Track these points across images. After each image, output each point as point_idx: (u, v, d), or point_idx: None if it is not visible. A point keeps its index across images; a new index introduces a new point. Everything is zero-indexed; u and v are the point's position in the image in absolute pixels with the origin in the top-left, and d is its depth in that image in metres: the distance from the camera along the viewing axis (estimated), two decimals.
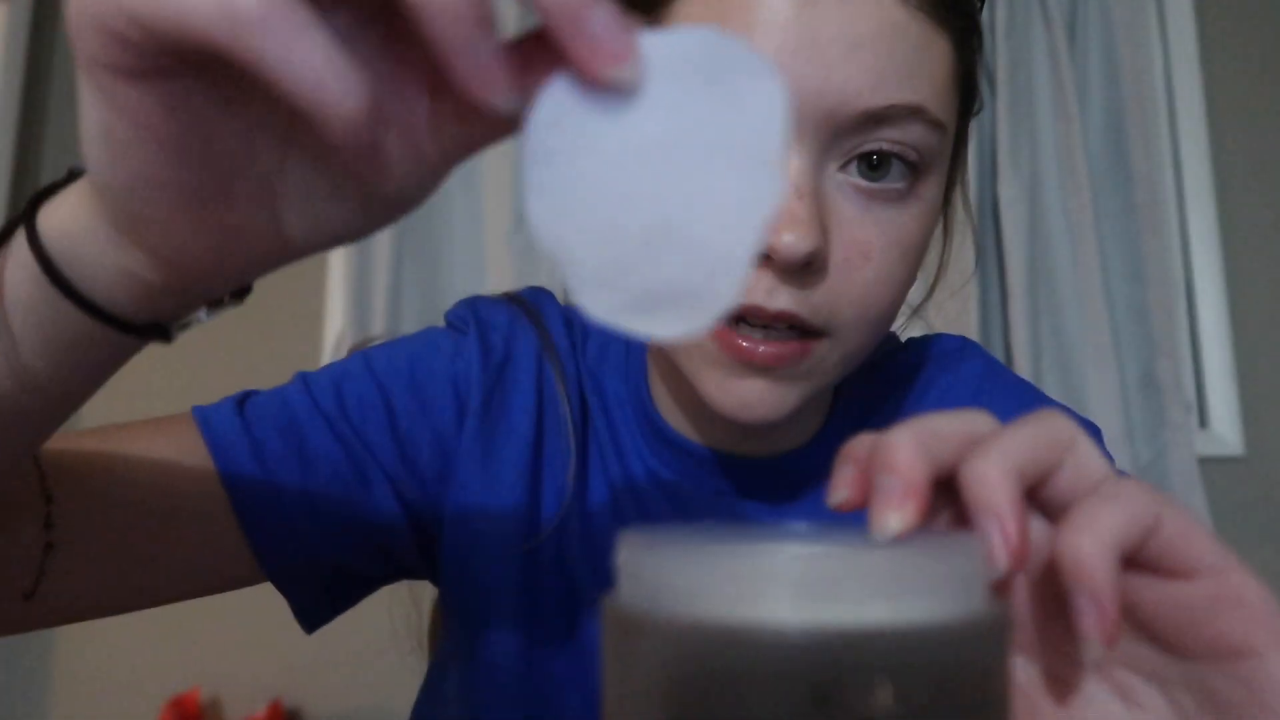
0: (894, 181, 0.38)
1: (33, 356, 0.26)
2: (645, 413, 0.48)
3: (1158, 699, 0.24)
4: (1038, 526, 0.25)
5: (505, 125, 0.22)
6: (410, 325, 1.71)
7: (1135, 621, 0.24)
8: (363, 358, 0.50)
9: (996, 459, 0.23)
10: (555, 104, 0.21)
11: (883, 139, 0.37)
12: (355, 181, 0.24)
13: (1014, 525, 0.22)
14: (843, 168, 0.38)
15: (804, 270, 0.37)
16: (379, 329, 1.69)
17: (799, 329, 0.39)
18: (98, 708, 1.82)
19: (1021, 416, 0.25)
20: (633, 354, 0.50)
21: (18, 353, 0.26)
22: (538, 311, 0.51)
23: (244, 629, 1.78)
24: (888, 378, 0.53)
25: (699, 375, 0.41)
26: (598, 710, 0.21)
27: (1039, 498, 0.25)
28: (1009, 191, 1.53)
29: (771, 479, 0.47)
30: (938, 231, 0.50)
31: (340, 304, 1.80)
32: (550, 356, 0.48)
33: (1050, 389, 1.49)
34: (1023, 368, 1.48)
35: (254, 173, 0.23)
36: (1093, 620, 0.22)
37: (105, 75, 0.20)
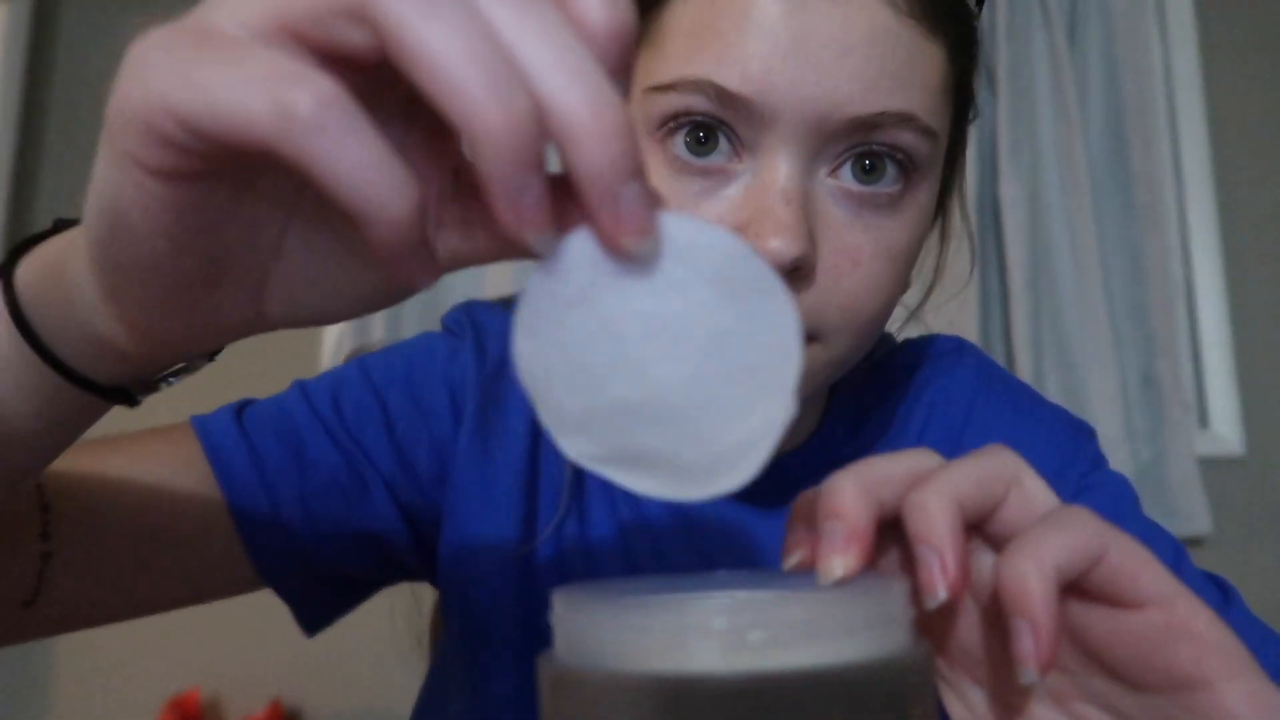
0: (887, 185, 0.38)
1: (6, 404, 0.26)
2: None
3: None
4: (987, 559, 0.25)
5: (521, 251, 0.21)
6: (411, 328, 1.71)
7: (1089, 653, 0.24)
8: (359, 364, 0.50)
9: (936, 491, 0.24)
10: (571, 254, 0.21)
11: (874, 142, 0.37)
12: (351, 273, 0.24)
13: (951, 555, 0.22)
14: (834, 172, 0.38)
15: (791, 275, 0.37)
16: (379, 332, 1.69)
17: None
18: (98, 708, 1.82)
19: (979, 448, 0.25)
20: None
21: None
22: None
23: (244, 629, 1.78)
24: (884, 379, 0.53)
25: None
26: None
27: (986, 532, 0.25)
28: (1009, 191, 1.53)
29: (766, 481, 0.48)
30: (935, 237, 0.50)
31: None
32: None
33: (1050, 389, 1.49)
34: (1023, 368, 1.48)
35: (248, 261, 0.23)
36: (1028, 644, 0.22)
37: (136, 170, 0.20)
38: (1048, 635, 0.22)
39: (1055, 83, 1.55)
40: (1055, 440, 0.50)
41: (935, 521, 0.23)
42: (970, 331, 1.51)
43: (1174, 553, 0.44)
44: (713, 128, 0.37)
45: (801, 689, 0.19)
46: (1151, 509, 1.46)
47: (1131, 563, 0.23)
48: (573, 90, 0.18)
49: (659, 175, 0.38)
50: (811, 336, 0.39)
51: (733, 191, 0.37)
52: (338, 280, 0.24)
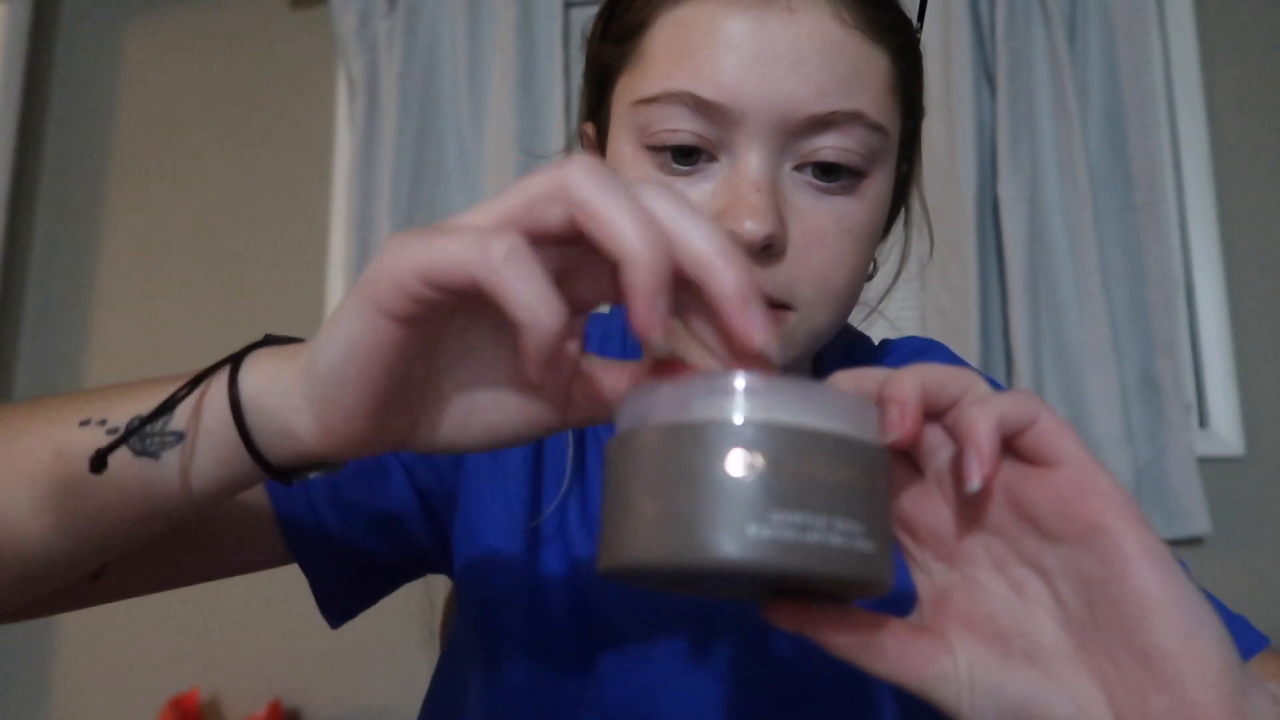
0: (843, 181, 0.44)
1: (198, 471, 0.32)
2: None
3: (1042, 589, 0.29)
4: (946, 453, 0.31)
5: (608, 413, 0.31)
6: None
7: (1021, 513, 0.29)
8: None
9: (910, 372, 0.30)
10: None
11: (829, 146, 0.43)
12: (505, 406, 0.32)
13: (909, 409, 0.29)
14: (798, 168, 0.43)
15: (766, 252, 0.42)
16: None
17: (767, 304, 0.42)
18: (98, 708, 1.82)
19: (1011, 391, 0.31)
20: (629, 352, 0.56)
21: (191, 464, 0.32)
22: None
23: (244, 629, 1.78)
24: None
25: (690, 355, 0.44)
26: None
27: (947, 421, 0.30)
28: (1009, 191, 1.53)
29: None
30: (909, 229, 0.57)
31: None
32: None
33: (1050, 389, 1.49)
34: (1022, 368, 1.48)
35: (426, 388, 0.31)
36: (974, 463, 0.28)
37: (379, 315, 0.28)
38: (990, 454, 0.28)
39: (1055, 83, 1.55)
40: None
41: (903, 386, 0.29)
42: (970, 331, 1.51)
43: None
44: (694, 149, 0.43)
45: (795, 435, 0.26)
46: (1151, 509, 1.46)
47: (1057, 427, 0.28)
48: (710, 244, 0.26)
49: (647, 174, 0.44)
50: (788, 306, 0.44)
51: (711, 184, 0.43)
52: (491, 413, 0.32)
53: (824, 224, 0.44)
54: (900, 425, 0.28)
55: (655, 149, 0.44)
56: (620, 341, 0.57)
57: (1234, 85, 1.61)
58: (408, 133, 1.74)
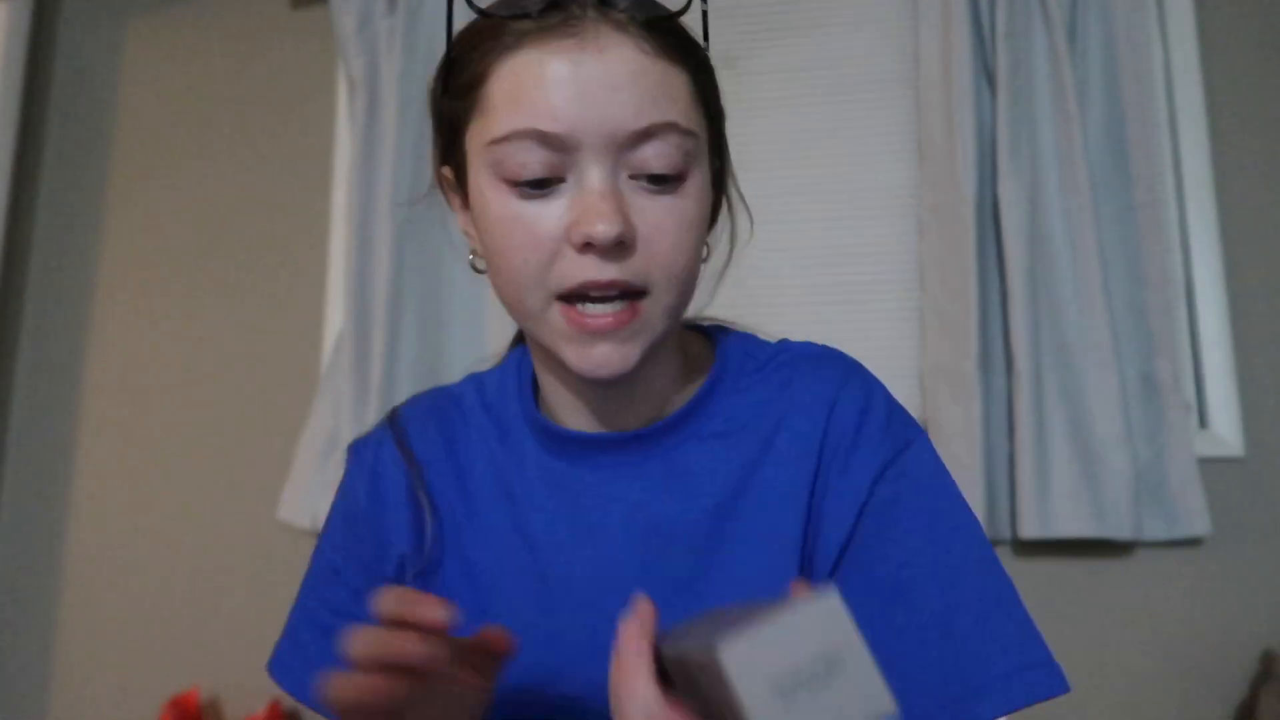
0: (669, 182, 0.52)
1: None
2: (533, 417, 0.62)
3: None
4: None
5: None
6: (410, 326, 1.71)
7: None
8: (316, 551, 0.66)
9: None
10: None
11: (653, 155, 0.51)
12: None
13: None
14: (633, 177, 0.51)
15: (619, 249, 0.51)
16: (379, 329, 1.69)
17: (626, 295, 0.52)
18: (98, 708, 1.82)
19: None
20: (523, 384, 0.64)
21: None
22: (403, 428, 0.66)
23: (244, 629, 1.78)
24: (759, 376, 0.63)
25: (562, 350, 0.54)
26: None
27: None
28: (1009, 191, 1.53)
29: (632, 445, 0.61)
30: (733, 215, 0.65)
31: (340, 304, 1.80)
32: (409, 464, 0.64)
33: (1050, 389, 1.49)
34: (1022, 368, 1.48)
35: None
36: None
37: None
38: None
39: (1055, 83, 1.55)
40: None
41: None
42: (970, 331, 1.51)
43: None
44: (544, 179, 0.51)
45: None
46: (1151, 509, 1.46)
47: None
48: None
49: (507, 202, 0.52)
50: (644, 291, 0.52)
51: (563, 200, 0.51)
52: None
53: (661, 218, 0.52)
54: None
55: (511, 182, 0.51)
56: (483, 410, 0.65)
57: (1234, 85, 1.61)
58: (408, 133, 1.74)
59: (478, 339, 1.75)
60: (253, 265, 1.92)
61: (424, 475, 0.63)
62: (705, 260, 0.59)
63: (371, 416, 1.65)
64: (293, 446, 1.76)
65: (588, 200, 0.50)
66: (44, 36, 2.09)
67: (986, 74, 1.61)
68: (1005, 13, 1.56)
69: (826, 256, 1.70)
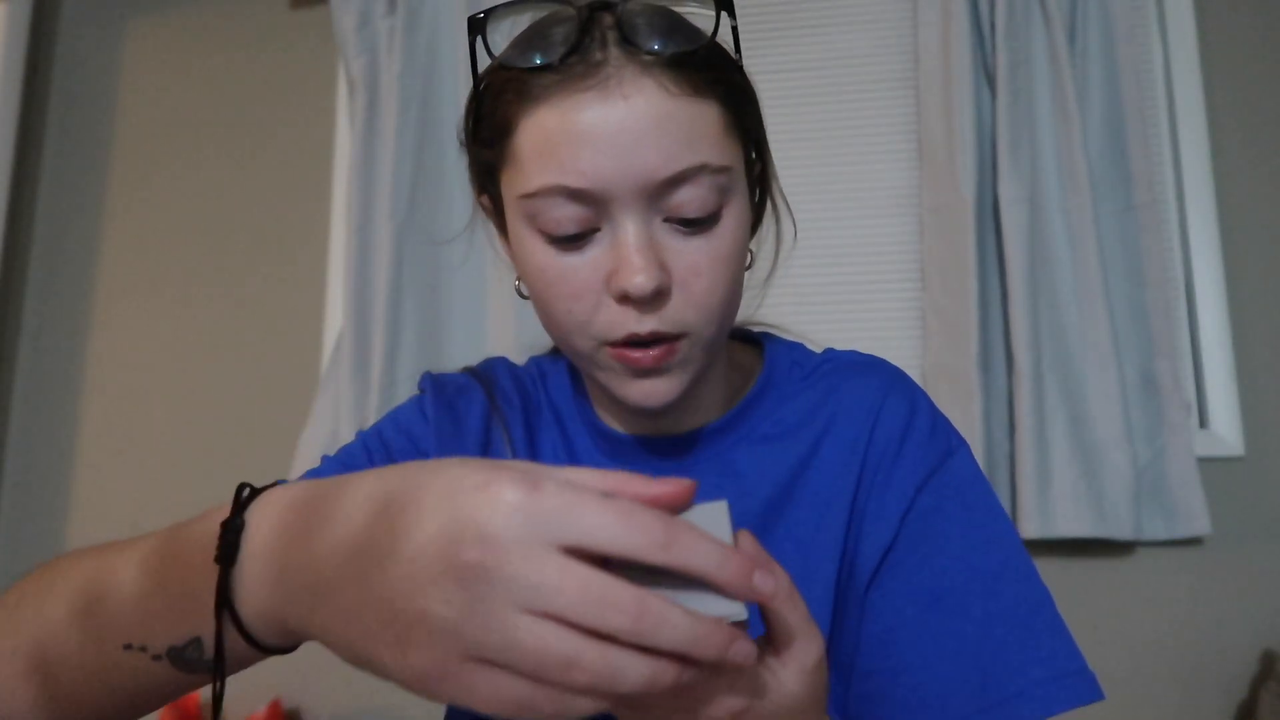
0: (705, 222, 0.52)
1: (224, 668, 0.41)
2: (588, 418, 0.64)
3: None
4: None
5: None
6: (410, 325, 1.71)
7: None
8: (360, 438, 0.65)
9: None
10: None
11: (687, 200, 0.50)
12: None
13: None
14: (667, 220, 0.51)
15: (656, 299, 0.51)
16: (379, 329, 1.69)
17: (663, 338, 0.53)
18: None
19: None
20: (577, 380, 0.66)
21: (204, 650, 0.42)
22: (489, 377, 0.67)
23: None
24: (804, 382, 0.64)
25: (612, 384, 0.55)
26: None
27: None
28: (1009, 191, 1.53)
29: (683, 446, 0.63)
30: (778, 216, 0.65)
31: (340, 304, 1.80)
32: (493, 407, 0.65)
33: (1049, 389, 1.49)
34: (1022, 367, 1.48)
35: None
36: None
37: None
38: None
39: (1055, 83, 1.55)
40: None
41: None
42: (970, 331, 1.51)
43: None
44: (578, 234, 0.51)
45: None
46: (1151, 509, 1.46)
47: None
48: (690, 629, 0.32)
49: (542, 251, 0.52)
50: (683, 335, 0.53)
51: (598, 250, 0.51)
52: None
53: (697, 260, 0.52)
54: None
55: (547, 236, 0.52)
56: (548, 402, 0.66)
57: (1234, 85, 1.61)
58: (408, 133, 1.74)
59: (478, 339, 1.75)
60: (253, 265, 1.92)
61: (510, 433, 0.63)
62: (749, 267, 0.59)
63: (372, 416, 1.65)
64: (293, 446, 1.76)
65: (622, 253, 0.50)
66: (44, 36, 2.09)
67: (986, 74, 1.61)
68: (1005, 13, 1.56)
69: (827, 256, 1.70)
